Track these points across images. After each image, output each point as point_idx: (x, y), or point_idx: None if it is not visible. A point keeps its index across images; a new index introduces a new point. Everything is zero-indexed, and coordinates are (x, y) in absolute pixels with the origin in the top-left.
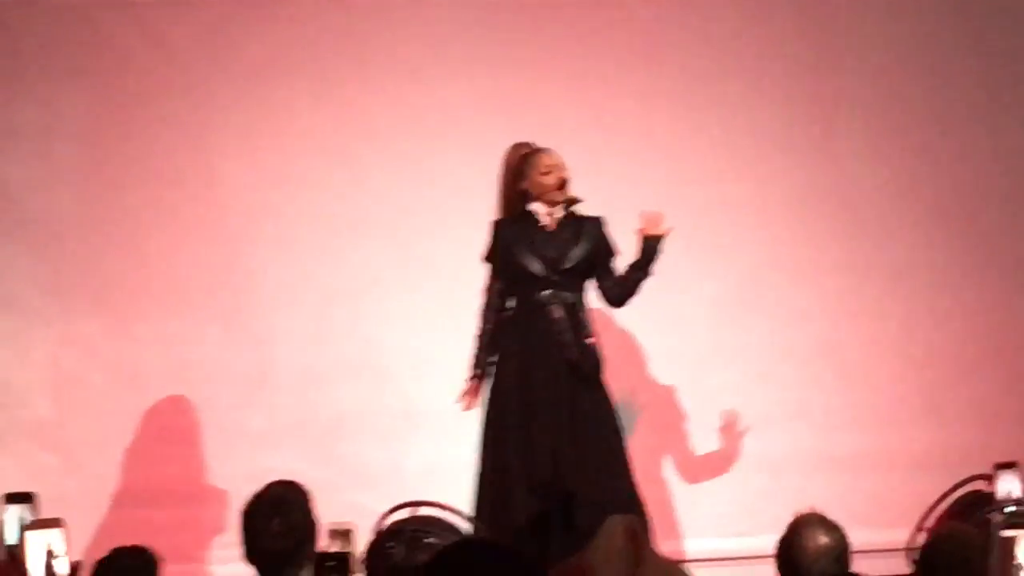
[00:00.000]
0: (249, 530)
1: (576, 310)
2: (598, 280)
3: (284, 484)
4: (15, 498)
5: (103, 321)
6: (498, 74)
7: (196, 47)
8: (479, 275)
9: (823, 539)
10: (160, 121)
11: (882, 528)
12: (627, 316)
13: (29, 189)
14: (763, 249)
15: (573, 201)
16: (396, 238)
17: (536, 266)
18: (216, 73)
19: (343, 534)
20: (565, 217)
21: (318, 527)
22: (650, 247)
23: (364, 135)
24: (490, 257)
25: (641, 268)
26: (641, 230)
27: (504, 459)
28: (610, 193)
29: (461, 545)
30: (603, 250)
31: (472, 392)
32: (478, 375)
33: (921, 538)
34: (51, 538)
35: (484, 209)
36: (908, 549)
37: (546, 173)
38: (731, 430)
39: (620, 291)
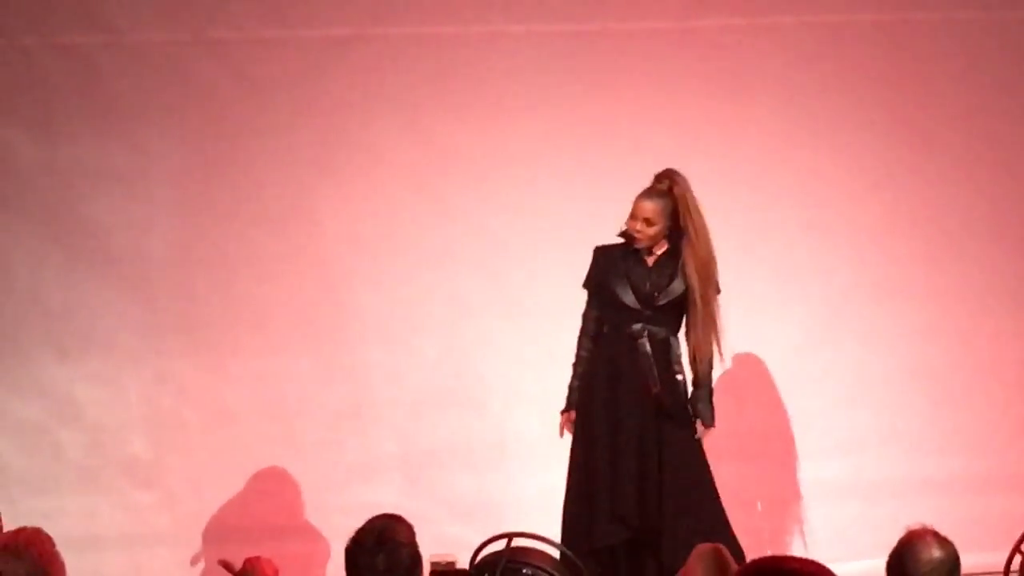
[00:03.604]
0: (354, 565)
1: (667, 345)
2: (686, 318)
3: (388, 518)
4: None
5: (196, 359)
6: (584, 103)
7: (283, 86)
8: (569, 304)
9: (936, 553)
10: (249, 160)
11: (978, 551)
12: None
13: (120, 229)
14: (852, 273)
15: (627, 237)
16: (486, 269)
17: (629, 298)
18: (303, 111)
19: (446, 566)
20: (668, 253)
21: (422, 561)
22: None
23: (452, 167)
24: (588, 284)
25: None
26: None
27: (590, 488)
28: None
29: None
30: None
31: (568, 424)
32: (573, 407)
33: (1018, 561)
34: None
35: (573, 238)
36: (1006, 572)
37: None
38: None
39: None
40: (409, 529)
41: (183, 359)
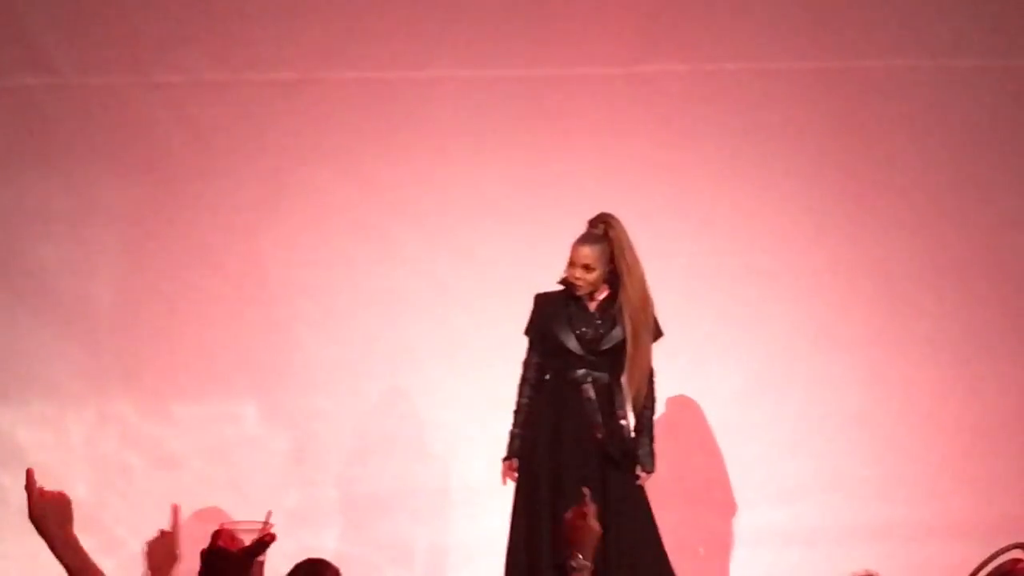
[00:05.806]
0: None
1: (610, 390)
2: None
3: (315, 562)
4: None
5: (138, 402)
6: (529, 149)
7: (227, 129)
8: (514, 349)
9: None
10: (192, 202)
11: None
12: (660, 388)
13: (62, 272)
14: (796, 320)
15: (567, 284)
16: (431, 314)
17: (573, 344)
18: (247, 154)
19: None
20: (610, 298)
21: None
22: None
23: (396, 211)
24: (529, 331)
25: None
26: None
27: (533, 535)
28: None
29: None
30: None
31: (510, 472)
32: (515, 455)
33: None
34: None
35: (517, 283)
36: None
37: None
38: None
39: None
40: (336, 573)
41: (126, 402)
